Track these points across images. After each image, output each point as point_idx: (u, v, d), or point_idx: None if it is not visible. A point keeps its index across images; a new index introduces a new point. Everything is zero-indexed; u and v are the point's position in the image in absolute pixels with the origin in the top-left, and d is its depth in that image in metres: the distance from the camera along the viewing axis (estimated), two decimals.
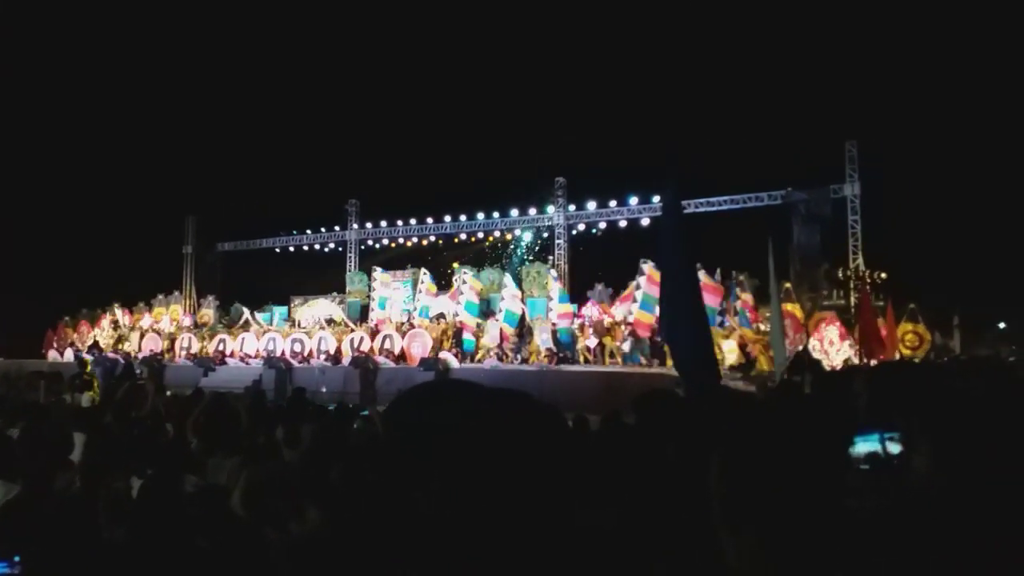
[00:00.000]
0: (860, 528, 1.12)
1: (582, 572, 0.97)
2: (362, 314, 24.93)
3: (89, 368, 17.80)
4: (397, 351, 20.81)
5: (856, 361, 17.46)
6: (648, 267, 19.06)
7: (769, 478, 1.02)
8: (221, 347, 23.50)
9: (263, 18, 34.43)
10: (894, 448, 1.86)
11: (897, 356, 18.10)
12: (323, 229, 31.02)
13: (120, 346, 25.55)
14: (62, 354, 25.83)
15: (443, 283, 25.25)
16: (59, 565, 1.74)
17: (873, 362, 15.85)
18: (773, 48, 28.56)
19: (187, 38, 34.08)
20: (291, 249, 31.34)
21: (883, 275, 21.25)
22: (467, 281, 21.97)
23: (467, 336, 20.74)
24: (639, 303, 19.15)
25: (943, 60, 26.19)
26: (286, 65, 34.81)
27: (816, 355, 18.44)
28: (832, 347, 19.12)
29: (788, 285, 18.52)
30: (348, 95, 34.34)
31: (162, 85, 34.41)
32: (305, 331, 23.10)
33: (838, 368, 17.00)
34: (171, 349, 24.54)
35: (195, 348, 23.75)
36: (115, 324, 27.54)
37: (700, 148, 24.56)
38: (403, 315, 23.66)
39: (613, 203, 26.13)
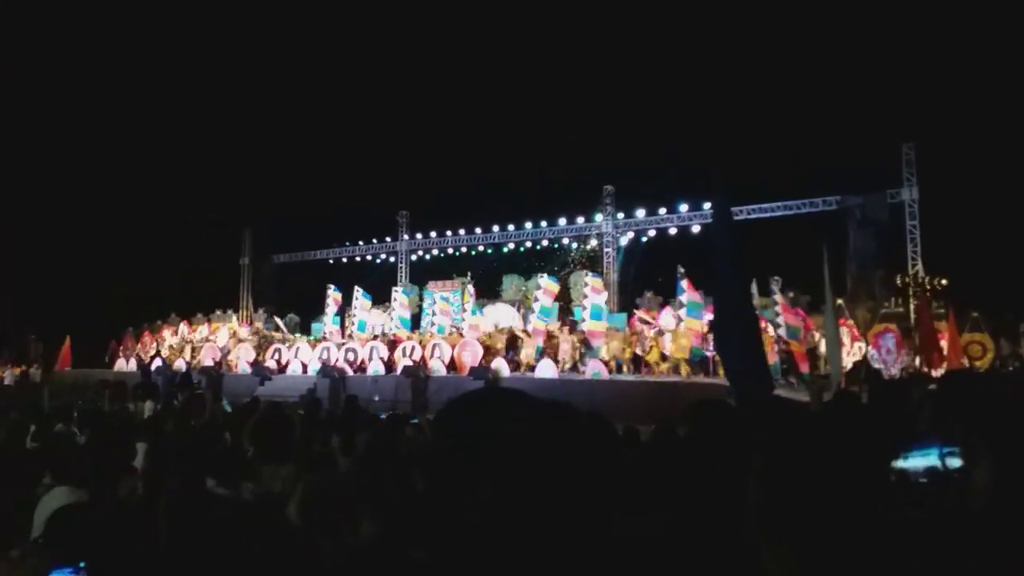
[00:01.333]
0: (899, 538, 1.10)
1: None
2: (413, 324, 25.22)
3: (151, 378, 18.35)
4: (447, 360, 20.95)
5: (916, 370, 16.97)
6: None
7: (804, 486, 1.01)
8: (277, 357, 23.97)
9: (317, 37, 35.20)
10: (954, 462, 1.81)
11: (964, 363, 17.52)
12: (374, 240, 31.49)
13: (180, 356, 26.23)
14: (127, 364, 26.66)
15: (492, 292, 25.49)
16: (120, 571, 1.81)
17: (934, 372, 15.39)
18: (828, 49, 28.04)
19: (244, 57, 35.02)
20: (344, 260, 31.85)
21: (943, 281, 20.59)
22: (542, 287, 21.56)
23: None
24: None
25: (1003, 56, 25.34)
26: (339, 82, 35.50)
27: (874, 365, 18.02)
28: (890, 356, 18.63)
29: (841, 302, 18.06)
30: (399, 109, 34.87)
31: (221, 103, 35.43)
32: (359, 340, 23.40)
33: (895, 378, 16.57)
34: (229, 359, 25.11)
35: (251, 358, 24.24)
36: (176, 335, 28.34)
37: (752, 153, 24.26)
38: (454, 324, 23.85)
39: (663, 210, 25.91)
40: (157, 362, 24.52)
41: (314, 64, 35.66)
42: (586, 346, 20.03)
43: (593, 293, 20.26)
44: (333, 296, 25.29)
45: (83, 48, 33.53)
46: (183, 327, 28.49)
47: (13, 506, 3.11)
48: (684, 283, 19.25)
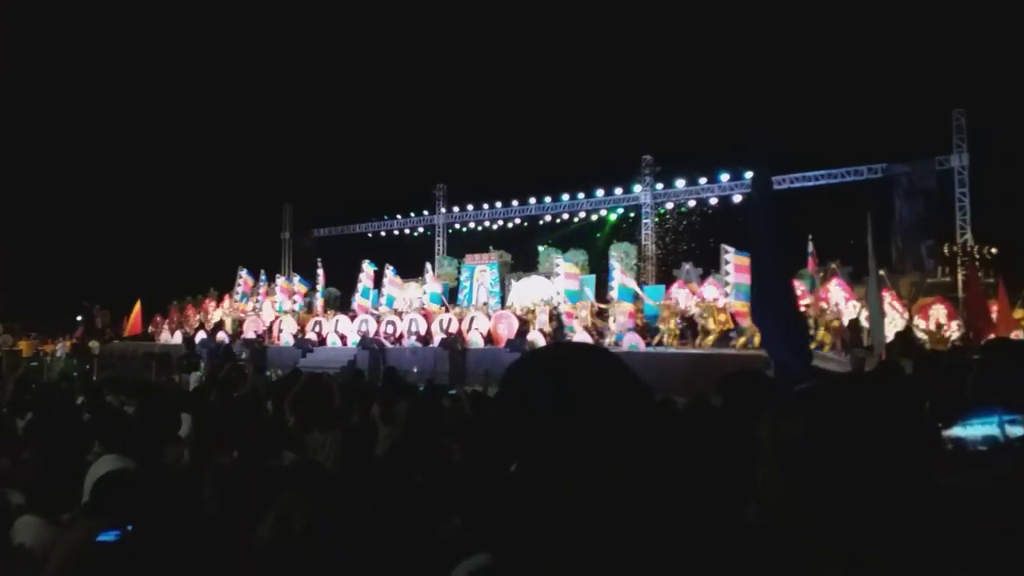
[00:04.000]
0: (955, 504, 1.08)
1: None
2: (451, 297, 25.37)
3: (195, 350, 18.76)
4: (485, 332, 21.06)
5: (965, 341, 16.58)
6: (732, 255, 18.95)
7: (845, 453, 0.99)
8: (317, 329, 24.32)
9: (354, 12, 35.16)
10: (1016, 430, 1.76)
11: (1017, 334, 17.02)
12: (412, 214, 31.62)
13: (224, 329, 26.73)
14: (172, 336, 27.30)
15: (528, 264, 25.50)
16: (163, 534, 1.86)
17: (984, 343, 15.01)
18: (873, 10, 27.17)
19: (282, 32, 35.18)
20: (382, 234, 32.06)
21: (993, 250, 20.00)
22: (560, 265, 22.13)
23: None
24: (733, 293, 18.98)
25: None
26: (373, 56, 35.48)
27: (921, 335, 17.65)
28: (939, 328, 18.22)
29: (882, 272, 17.67)
30: (434, 81, 34.79)
31: (262, 78, 35.75)
32: (397, 313, 23.68)
33: (943, 349, 16.22)
34: (271, 331, 25.54)
35: (293, 330, 24.61)
36: (219, 308, 28.88)
37: (793, 119, 23.70)
38: (490, 297, 23.94)
39: (703, 180, 25.44)
40: (201, 335, 25.07)
41: (351, 38, 35.71)
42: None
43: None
44: (367, 271, 26.00)
45: (129, 34, 34.07)
46: (226, 300, 29.02)
47: (65, 473, 3.22)
48: (731, 264, 19.06)
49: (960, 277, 19.78)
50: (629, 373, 1.02)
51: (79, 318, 29.63)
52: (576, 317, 20.64)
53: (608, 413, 0.95)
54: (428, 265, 25.28)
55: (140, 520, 1.96)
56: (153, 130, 35.22)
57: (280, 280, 28.26)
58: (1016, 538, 1.19)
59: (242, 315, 27.14)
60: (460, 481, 3.31)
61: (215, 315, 28.53)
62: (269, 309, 27.20)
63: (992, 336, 15.27)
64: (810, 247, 18.29)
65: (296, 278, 28.28)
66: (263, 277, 28.28)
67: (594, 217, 27.87)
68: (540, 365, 1.05)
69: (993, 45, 25.11)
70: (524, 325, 20.89)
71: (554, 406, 0.96)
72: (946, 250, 20.58)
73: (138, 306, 29.04)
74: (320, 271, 27.38)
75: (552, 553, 0.93)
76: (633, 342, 18.56)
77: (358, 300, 25.65)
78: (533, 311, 21.34)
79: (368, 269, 26.03)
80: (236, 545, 2.16)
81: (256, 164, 35.69)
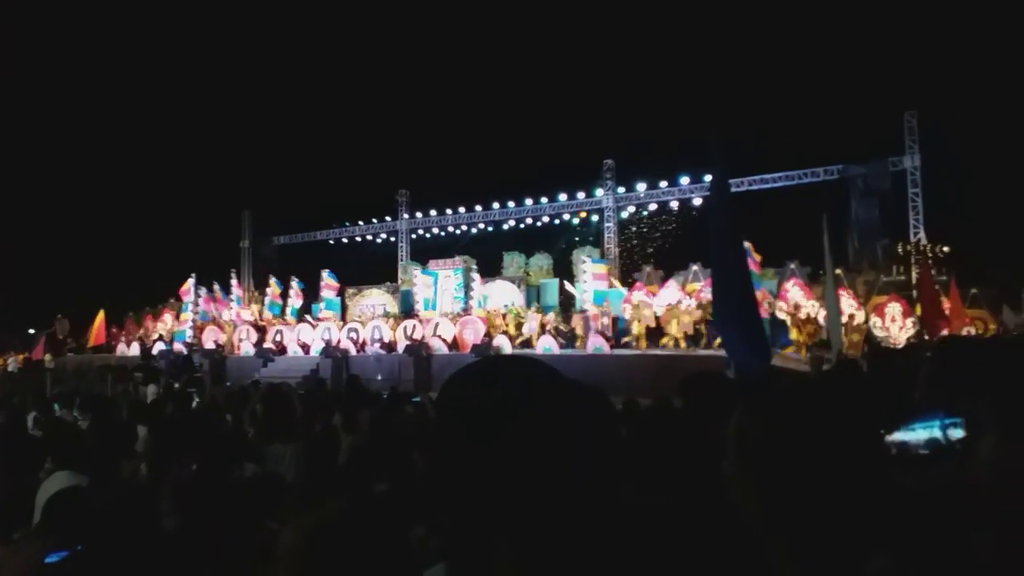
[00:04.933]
0: (906, 509, 1.09)
1: (631, 550, 0.97)
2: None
3: (154, 362, 18.38)
4: (450, 338, 20.97)
5: (919, 338, 16.98)
6: (589, 264, 20.84)
7: (797, 453, 1.01)
8: (279, 338, 23.97)
9: (312, 19, 34.91)
10: (956, 433, 1.78)
11: (970, 331, 17.46)
12: (374, 220, 31.38)
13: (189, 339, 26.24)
14: (130, 348, 26.67)
15: (493, 269, 25.44)
16: (117, 552, 1.80)
17: (936, 339, 15.37)
18: (827, 17, 27.75)
19: (241, 38, 34.77)
20: (344, 240, 31.77)
21: (945, 249, 20.52)
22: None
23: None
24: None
25: (1004, 22, 25.05)
26: (335, 62, 35.24)
27: (878, 332, 18.01)
28: (894, 324, 18.60)
29: (839, 272, 18.02)
30: (395, 86, 34.67)
31: (220, 85, 35.28)
32: (360, 320, 23.50)
33: (898, 346, 16.56)
34: (231, 341, 25.13)
35: (254, 339, 24.24)
36: (177, 318, 28.32)
37: (751, 122, 24.10)
38: (455, 303, 23.84)
39: (664, 183, 25.71)
40: (160, 346, 24.57)
41: (310, 45, 35.42)
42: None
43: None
44: (273, 288, 26.62)
45: (81, 41, 33.38)
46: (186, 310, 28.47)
47: (16, 491, 3.12)
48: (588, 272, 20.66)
49: (914, 275, 20.25)
50: (564, 378, 1.02)
51: (32, 331, 28.86)
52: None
53: (549, 417, 0.95)
54: (324, 273, 25.40)
55: (93, 538, 1.91)
56: (109, 138, 34.55)
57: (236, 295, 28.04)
58: (954, 539, 1.21)
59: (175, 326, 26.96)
60: (424, 489, 3.28)
61: (169, 326, 28.02)
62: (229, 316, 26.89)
63: (945, 332, 15.67)
64: (745, 244, 18.45)
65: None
66: (191, 284, 27.86)
67: (557, 221, 27.98)
68: (477, 376, 1.04)
69: (942, 48, 25.84)
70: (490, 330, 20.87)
71: (495, 414, 0.96)
72: (900, 249, 21.08)
73: (101, 316, 28.35)
74: (234, 281, 27.41)
75: (497, 556, 0.92)
76: (598, 344, 18.64)
77: (265, 314, 26.26)
78: (503, 316, 21.40)
79: (275, 287, 26.51)
80: (195, 561, 2.11)
81: (214, 170, 35.23)
